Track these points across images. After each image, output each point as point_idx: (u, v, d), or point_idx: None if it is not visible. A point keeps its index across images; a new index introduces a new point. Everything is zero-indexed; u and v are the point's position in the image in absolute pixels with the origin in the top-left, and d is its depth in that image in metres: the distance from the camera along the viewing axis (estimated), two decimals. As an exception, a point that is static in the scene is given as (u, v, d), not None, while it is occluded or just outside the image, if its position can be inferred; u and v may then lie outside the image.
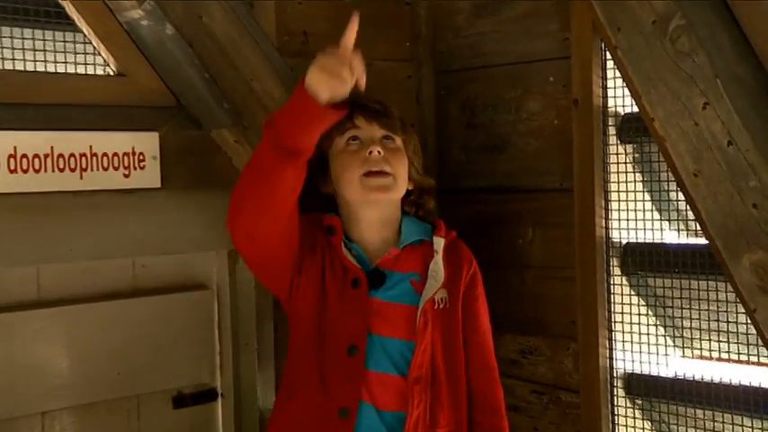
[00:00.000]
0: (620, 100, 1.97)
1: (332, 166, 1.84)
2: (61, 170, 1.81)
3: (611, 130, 1.99)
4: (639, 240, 1.99)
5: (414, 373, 1.75)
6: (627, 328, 2.01)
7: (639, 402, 2.01)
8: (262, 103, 1.95)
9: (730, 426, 1.84)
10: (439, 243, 1.83)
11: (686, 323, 1.95)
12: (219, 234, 1.98)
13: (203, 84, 1.90)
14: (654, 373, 1.98)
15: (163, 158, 1.92)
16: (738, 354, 1.87)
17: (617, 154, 2.00)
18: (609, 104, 1.98)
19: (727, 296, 1.85)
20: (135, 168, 1.89)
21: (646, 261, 1.97)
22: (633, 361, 2.00)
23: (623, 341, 2.01)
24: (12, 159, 1.76)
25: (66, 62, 1.88)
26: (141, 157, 1.90)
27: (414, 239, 1.84)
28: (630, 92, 1.83)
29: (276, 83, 1.97)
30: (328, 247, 1.80)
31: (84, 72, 1.90)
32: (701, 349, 1.95)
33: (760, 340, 1.76)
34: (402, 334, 1.77)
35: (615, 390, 2.01)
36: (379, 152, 1.78)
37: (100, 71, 1.93)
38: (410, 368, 1.74)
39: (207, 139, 1.99)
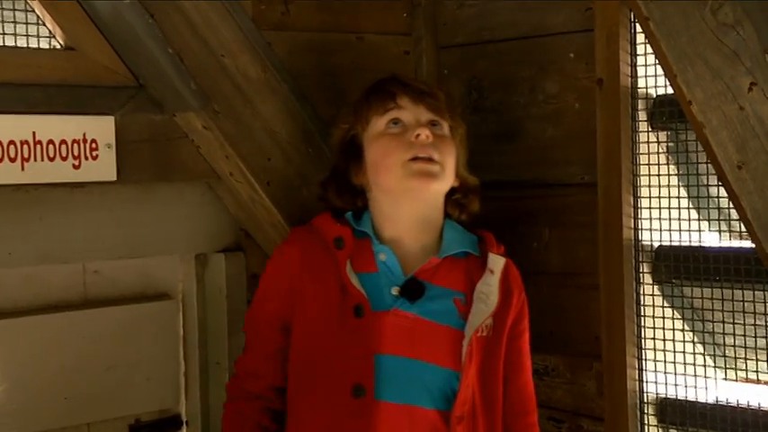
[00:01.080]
0: (652, 80, 1.92)
1: (367, 152, 1.77)
2: (-1, 160, 1.78)
3: (642, 115, 1.95)
4: (674, 243, 1.94)
5: (458, 410, 1.68)
6: (659, 345, 1.95)
7: (674, 432, 1.96)
8: (235, 83, 1.93)
9: (780, 460, 1.80)
10: (497, 263, 1.75)
11: (728, 340, 1.90)
12: (185, 235, 2.01)
13: (167, 60, 1.86)
14: (691, 397, 1.93)
15: (119, 147, 1.87)
16: (790, 376, 1.84)
17: (648, 143, 1.94)
18: (639, 85, 1.94)
19: (776, 308, 1.80)
20: (86, 158, 1.83)
21: (681, 267, 1.92)
22: (666, 384, 1.95)
23: (655, 360, 1.96)
24: (-61, 147, 1.74)
25: (4, 33, 1.82)
26: (94, 146, 1.84)
27: (457, 251, 1.76)
28: (664, 70, 1.77)
29: (252, 59, 1.95)
30: (331, 264, 1.71)
31: (26, 45, 1.84)
32: (746, 370, 1.89)
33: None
34: (442, 360, 1.69)
35: (646, 417, 1.96)
36: (427, 136, 1.71)
37: (45, 44, 1.87)
38: (455, 405, 1.67)
39: (171, 124, 1.95)
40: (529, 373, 1.81)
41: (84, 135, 1.82)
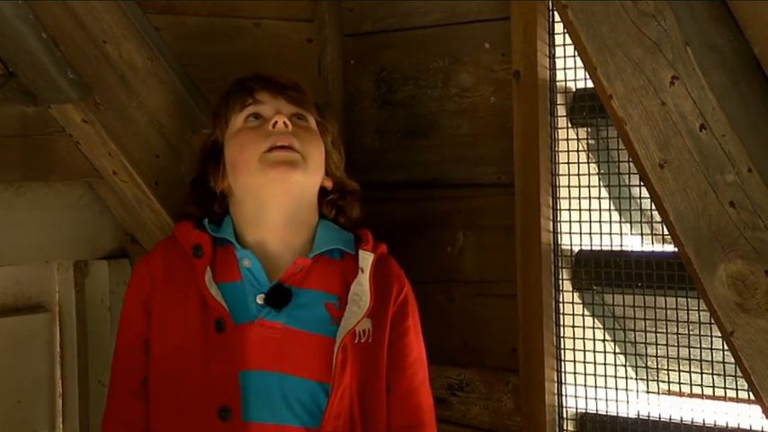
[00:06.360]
0: (572, 72, 1.99)
1: (226, 152, 1.81)
2: None
3: (561, 110, 2.00)
4: (595, 248, 2.00)
5: (329, 425, 1.71)
6: (579, 356, 2.01)
7: (595, 449, 1.99)
8: (118, 73, 1.95)
9: (706, 477, 1.86)
10: (366, 260, 1.77)
11: (651, 350, 1.95)
12: (62, 240, 2.02)
13: (41, 46, 1.86)
14: (612, 411, 1.98)
15: (-15, 142, 1.88)
16: (714, 387, 1.86)
17: (567, 140, 2.01)
18: (557, 78, 2.00)
19: (700, 316, 1.87)
20: (-52, 155, 1.84)
21: (602, 273, 1.98)
22: (587, 397, 2.01)
23: (575, 373, 2.02)
24: None
25: None
26: (-44, 141, 1.86)
27: (328, 248, 1.79)
28: (583, 62, 1.81)
29: (137, 46, 1.96)
30: (193, 276, 1.74)
31: None
32: (668, 382, 1.97)
33: (739, 370, 1.73)
34: (312, 373, 1.72)
35: (565, 434, 2.00)
36: (285, 123, 1.76)
37: None
38: (324, 419, 1.70)
39: (45, 117, 1.96)
40: (417, 379, 1.82)
41: (-56, 129, 1.82)
